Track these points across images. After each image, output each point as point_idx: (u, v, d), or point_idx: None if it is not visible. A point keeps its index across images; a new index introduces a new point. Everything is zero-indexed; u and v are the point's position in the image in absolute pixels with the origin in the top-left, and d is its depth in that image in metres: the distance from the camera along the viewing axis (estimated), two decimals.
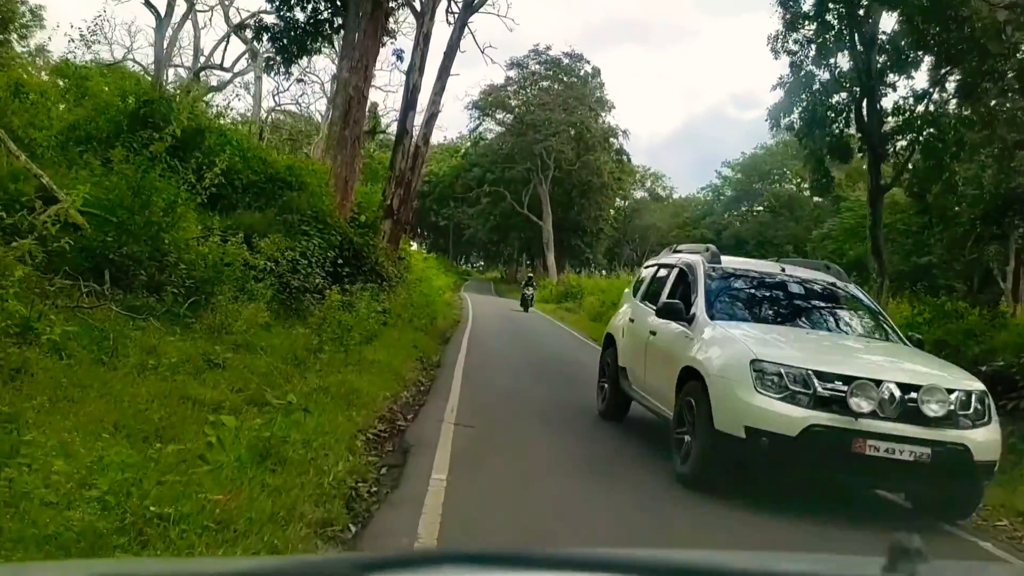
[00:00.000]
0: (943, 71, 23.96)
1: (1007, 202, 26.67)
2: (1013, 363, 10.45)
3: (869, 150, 24.05)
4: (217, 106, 16.46)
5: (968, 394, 5.77)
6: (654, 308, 7.75)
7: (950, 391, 5.66)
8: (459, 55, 19.67)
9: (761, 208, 67.26)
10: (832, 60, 24.64)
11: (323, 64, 65.72)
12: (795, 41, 25.02)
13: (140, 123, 10.90)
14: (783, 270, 7.87)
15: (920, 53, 23.70)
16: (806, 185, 65.06)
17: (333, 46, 25.67)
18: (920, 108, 24.23)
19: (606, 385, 8.99)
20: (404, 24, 27.98)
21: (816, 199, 62.79)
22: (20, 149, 9.60)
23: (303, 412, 4.51)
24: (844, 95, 24.79)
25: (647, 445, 7.60)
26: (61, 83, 15.18)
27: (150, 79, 22.99)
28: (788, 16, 24.21)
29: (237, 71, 39.04)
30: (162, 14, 32.37)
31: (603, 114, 58.19)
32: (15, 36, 24.99)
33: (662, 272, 8.75)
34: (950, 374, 6.19)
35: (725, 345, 6.28)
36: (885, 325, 7.52)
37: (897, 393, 5.48)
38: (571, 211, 57.50)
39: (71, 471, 3.59)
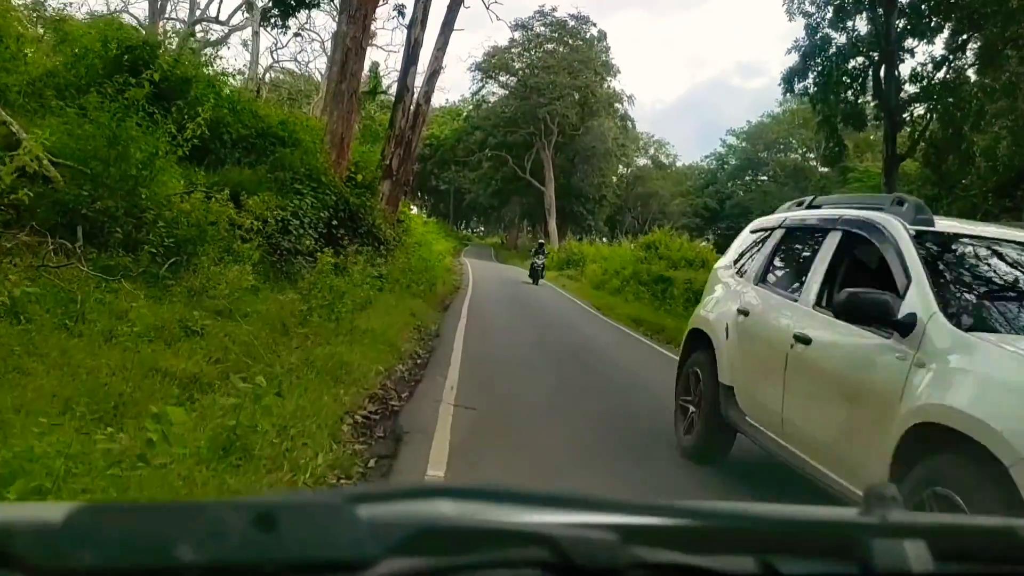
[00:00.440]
0: (963, 37, 23.15)
1: (1021, 175, 25.90)
2: None
3: (886, 117, 23.29)
4: (206, 55, 15.55)
5: None
6: (788, 296, 5.14)
7: None
8: (463, 11, 18.84)
9: (766, 178, 66.49)
10: (850, 23, 23.83)
11: (323, 21, 64.27)
12: (812, 2, 24.16)
13: (122, 71, 10.14)
14: None
15: (939, 18, 22.86)
16: (812, 155, 64.41)
17: (333, 0, 24.74)
18: (939, 75, 23.48)
19: (693, 410, 5.96)
20: None
21: (823, 169, 62.25)
22: None
23: (276, 396, 3.86)
24: (861, 60, 23.98)
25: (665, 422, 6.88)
26: (41, 31, 14.37)
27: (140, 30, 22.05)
28: None
29: (234, 25, 37.95)
30: None
31: (608, 79, 57.03)
32: None
33: (794, 239, 5.81)
34: None
35: None
36: None
37: None
38: (573, 177, 56.59)
39: None
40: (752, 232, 6.63)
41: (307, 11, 25.77)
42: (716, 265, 7.23)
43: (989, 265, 4.49)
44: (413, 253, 18.89)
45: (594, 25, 55.92)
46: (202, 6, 37.57)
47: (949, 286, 4.07)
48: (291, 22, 24.79)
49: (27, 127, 8.73)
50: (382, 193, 16.48)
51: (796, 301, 4.96)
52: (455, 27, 18.00)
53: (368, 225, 13.18)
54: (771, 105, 69.84)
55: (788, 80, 24.31)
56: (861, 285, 4.08)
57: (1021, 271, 4.44)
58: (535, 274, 28.80)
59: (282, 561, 0.64)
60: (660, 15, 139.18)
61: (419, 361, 8.71)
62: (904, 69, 23.76)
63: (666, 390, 6.92)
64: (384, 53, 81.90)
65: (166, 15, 36.43)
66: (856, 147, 42.90)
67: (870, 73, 23.80)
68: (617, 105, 58.05)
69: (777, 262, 5.81)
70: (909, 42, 23.63)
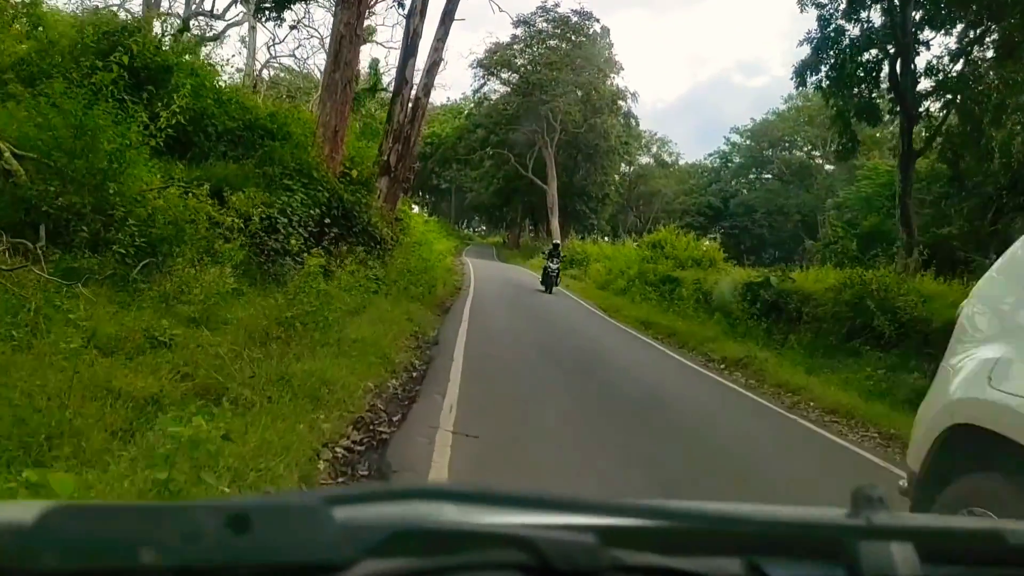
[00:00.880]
0: (981, 29, 22.37)
1: None
2: None
3: (902, 112, 22.51)
4: (187, 40, 14.78)
5: None
6: None
7: None
8: (464, 1, 18.10)
9: (770, 176, 65.77)
10: (864, 14, 23.07)
11: (321, 16, 63.28)
12: None
13: (94, 56, 9.39)
14: None
15: (957, 9, 22.07)
16: (817, 152, 63.68)
17: None
18: (956, 68, 22.72)
19: None
20: None
21: (828, 167, 61.47)
22: None
23: (223, 439, 3.08)
24: (875, 53, 23.21)
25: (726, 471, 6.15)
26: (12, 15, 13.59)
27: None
28: None
29: (231, 21, 37.15)
30: None
31: (612, 75, 56.19)
32: None
33: None
34: None
35: None
36: None
37: None
38: (576, 175, 55.78)
39: None
40: None
41: (303, 2, 24.98)
42: (973, 296, 3.75)
43: None
44: (412, 253, 18.15)
45: (597, 21, 55.07)
46: (197, 1, 36.74)
47: None
48: (287, 15, 24.07)
49: None
50: (379, 190, 15.71)
51: None
52: (456, 17, 17.23)
53: (363, 224, 12.41)
54: (772, 104, 69.31)
55: (800, 73, 23.52)
56: None
57: None
58: (548, 280, 24.54)
59: (256, 564, 0.63)
60: (661, 13, 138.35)
61: (415, 374, 7.87)
62: (919, 62, 23.05)
63: (696, 408, 6.14)
64: (384, 50, 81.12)
65: (160, 10, 35.61)
66: (862, 144, 42.09)
67: (884, 66, 23.07)
68: (621, 102, 57.19)
69: None
70: (925, 34, 22.91)
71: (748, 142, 66.76)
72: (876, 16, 22.95)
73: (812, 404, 9.29)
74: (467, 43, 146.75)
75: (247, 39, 36.42)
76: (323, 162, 11.70)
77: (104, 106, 7.71)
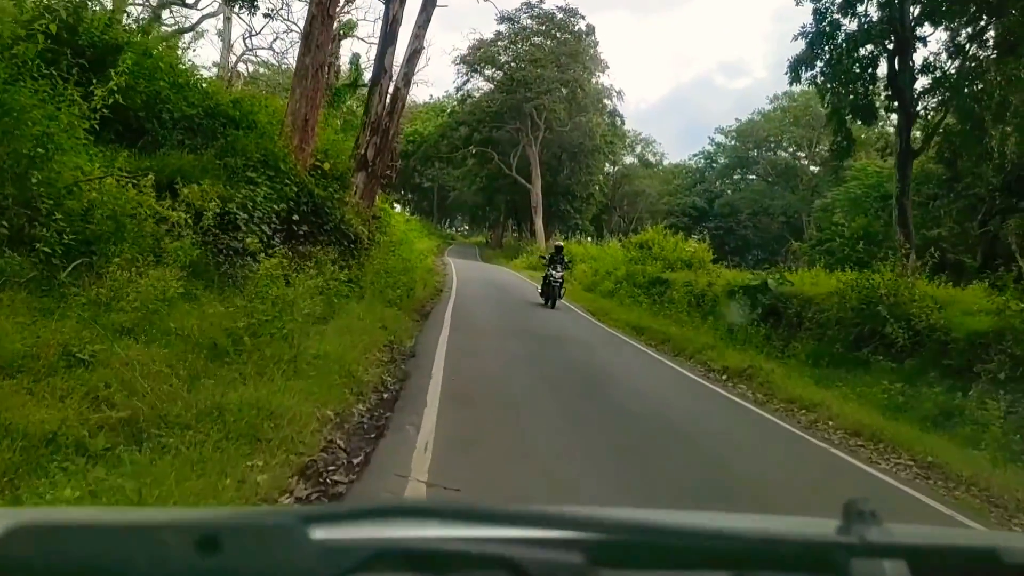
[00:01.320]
0: (980, 25, 21.69)
1: None
2: None
3: (900, 109, 21.80)
4: (138, 20, 13.73)
5: None
6: None
7: None
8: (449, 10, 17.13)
9: (755, 177, 65.39)
10: (860, 8, 22.33)
11: (299, 9, 61.97)
12: None
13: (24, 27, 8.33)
14: None
15: (955, 4, 21.37)
16: (802, 153, 63.25)
17: None
18: (954, 65, 22.01)
19: None
20: None
21: (813, 168, 61.03)
22: None
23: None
24: (871, 48, 22.47)
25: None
26: None
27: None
28: None
29: (205, 12, 35.95)
30: None
31: (597, 73, 55.37)
32: None
33: None
34: None
35: None
36: None
37: None
38: (560, 174, 54.92)
39: None
40: None
41: None
42: None
43: None
44: (391, 254, 17.15)
45: (583, 17, 54.19)
46: None
47: None
48: (260, 2, 22.99)
49: None
50: (356, 186, 14.71)
51: None
52: (438, 2, 16.24)
53: (336, 221, 11.39)
54: (754, 105, 68.86)
55: (795, 69, 22.75)
56: None
57: None
58: (550, 292, 19.05)
59: None
60: (644, 15, 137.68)
61: (386, 395, 6.79)
62: (917, 59, 22.33)
63: (708, 432, 5.18)
64: (366, 45, 79.96)
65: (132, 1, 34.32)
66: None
67: (881, 63, 22.37)
68: (606, 101, 56.39)
69: None
70: (923, 30, 22.19)
71: (733, 142, 66.35)
72: (873, 10, 22.27)
73: (831, 424, 8.37)
74: (450, 40, 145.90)
75: (222, 31, 35.28)
76: (292, 153, 10.69)
77: (32, 84, 6.70)
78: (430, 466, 4.74)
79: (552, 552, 0.70)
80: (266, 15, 25.30)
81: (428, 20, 16.33)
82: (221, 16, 34.47)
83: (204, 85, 11.77)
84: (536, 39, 54.06)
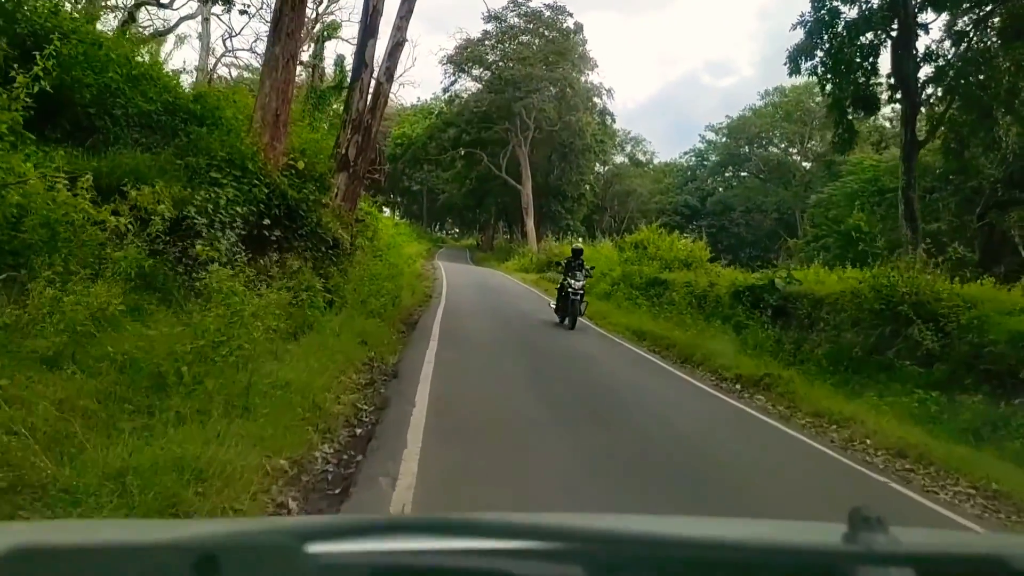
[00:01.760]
0: (986, 9, 20.90)
1: None
2: None
3: (904, 98, 20.97)
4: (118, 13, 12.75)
5: None
6: None
7: None
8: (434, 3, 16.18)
9: (747, 174, 64.83)
10: None
11: None
12: None
13: None
14: None
15: None
16: (794, 150, 62.59)
17: None
18: (958, 51, 21.22)
19: None
20: None
21: (805, 164, 60.40)
22: None
23: None
24: (871, 36, 21.65)
25: None
26: None
27: None
28: None
29: (183, 15, 34.88)
30: None
31: (587, 72, 54.48)
32: None
33: None
34: None
35: None
36: None
37: None
38: (551, 175, 54.02)
39: None
40: None
41: None
42: None
43: None
44: (377, 259, 16.19)
45: (571, 15, 53.40)
46: None
47: None
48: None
49: None
50: (336, 188, 13.73)
51: None
52: None
53: (312, 225, 10.41)
54: (741, 104, 68.32)
55: (794, 59, 21.90)
56: None
57: None
58: (569, 308, 15.42)
59: None
60: (630, 15, 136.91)
61: (359, 431, 5.73)
62: (919, 47, 21.53)
63: (736, 456, 4.22)
64: (350, 47, 78.98)
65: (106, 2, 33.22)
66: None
67: (882, 51, 21.58)
68: (596, 99, 55.50)
69: None
70: (924, 16, 21.39)
71: (724, 139, 65.70)
72: None
73: (869, 442, 7.44)
74: (437, 41, 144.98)
75: (201, 32, 34.25)
76: (262, 152, 9.71)
77: None
78: None
79: (551, 565, 0.67)
80: (242, 11, 24.20)
81: (411, 11, 15.39)
82: (200, 17, 33.40)
83: (163, 78, 10.77)
84: (524, 37, 53.21)
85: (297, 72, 14.20)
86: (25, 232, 6.08)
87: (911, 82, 20.65)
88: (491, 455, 5.71)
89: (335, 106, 34.68)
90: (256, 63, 42.23)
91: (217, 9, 32.50)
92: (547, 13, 52.66)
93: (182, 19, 35.46)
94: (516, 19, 53.24)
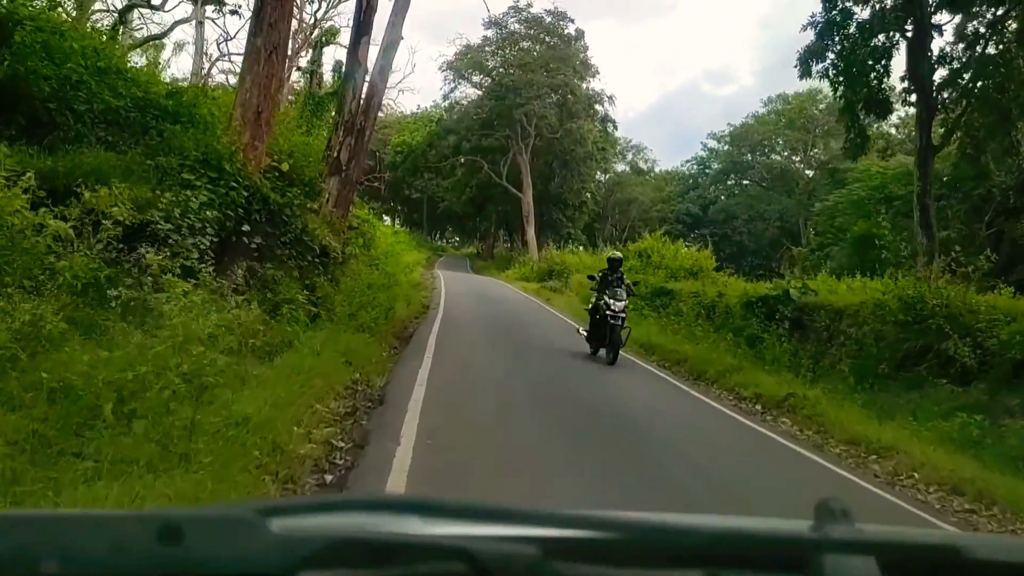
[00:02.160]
0: (1004, 8, 20.19)
1: None
2: None
3: (920, 101, 20.21)
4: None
5: None
6: None
7: None
8: (432, 10, 15.47)
9: (749, 182, 64.24)
10: None
11: None
12: None
13: None
14: None
15: None
16: (797, 157, 61.92)
17: None
18: (975, 53, 20.51)
19: None
20: None
21: (808, 172, 59.75)
22: None
23: None
24: (884, 38, 20.92)
25: None
26: None
27: None
28: None
29: (178, 18, 34.25)
30: None
31: (588, 78, 53.79)
32: None
33: None
34: None
35: None
36: None
37: None
38: (552, 182, 53.25)
39: None
40: None
41: None
42: None
43: None
44: (372, 268, 15.40)
45: (572, 21, 52.72)
46: None
47: None
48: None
49: None
50: (328, 193, 12.97)
51: None
52: None
53: (297, 231, 9.62)
54: (741, 113, 67.75)
55: (804, 61, 21.15)
56: None
57: None
58: (608, 334, 11.90)
59: None
60: (630, 24, 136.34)
61: (330, 479, 4.77)
62: (933, 48, 20.80)
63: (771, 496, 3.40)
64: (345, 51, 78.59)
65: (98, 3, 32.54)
66: (849, 145, 40.08)
67: (895, 53, 20.85)
68: (597, 106, 54.79)
69: None
70: (939, 17, 20.67)
71: (726, 147, 65.08)
72: None
73: (917, 476, 6.59)
74: (436, 49, 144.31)
75: (195, 36, 33.57)
76: (240, 151, 8.92)
77: None
78: None
79: (508, 545, 0.68)
80: (232, 12, 23.50)
81: (407, 6, 14.66)
82: (194, 21, 32.72)
83: (132, 72, 10.00)
84: (524, 44, 52.62)
85: (295, 78, 13.47)
86: None
87: (927, 85, 19.90)
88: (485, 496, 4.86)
89: (333, 112, 33.99)
90: None
91: (210, 11, 31.93)
92: (548, 19, 52.07)
93: (176, 23, 34.87)
94: (517, 25, 52.65)
